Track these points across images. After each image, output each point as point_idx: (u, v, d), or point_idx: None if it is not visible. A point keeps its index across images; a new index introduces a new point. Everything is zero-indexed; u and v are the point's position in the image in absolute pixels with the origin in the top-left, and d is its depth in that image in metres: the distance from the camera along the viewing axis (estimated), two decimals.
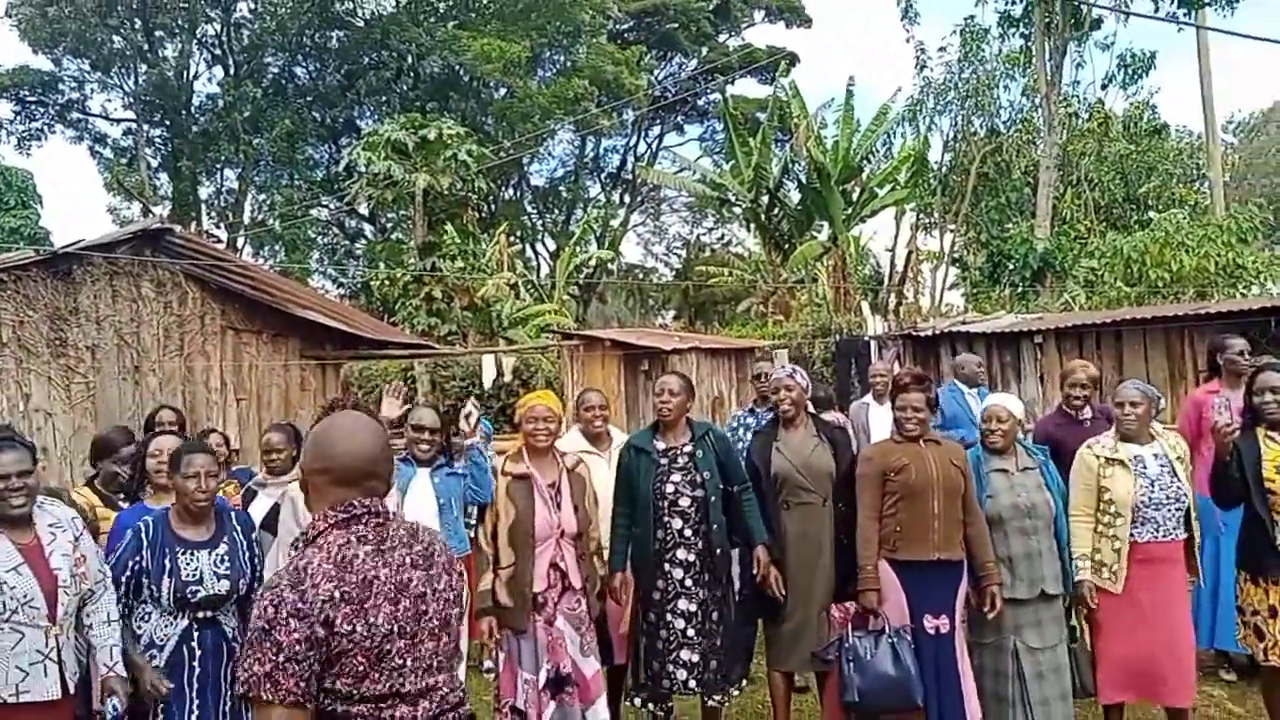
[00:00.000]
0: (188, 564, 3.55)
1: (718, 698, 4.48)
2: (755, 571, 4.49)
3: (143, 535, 3.57)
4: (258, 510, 4.61)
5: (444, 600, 2.16)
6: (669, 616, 4.37)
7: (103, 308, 9.09)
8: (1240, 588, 4.44)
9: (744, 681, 4.78)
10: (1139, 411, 4.46)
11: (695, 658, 4.36)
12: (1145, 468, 4.40)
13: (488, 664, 6.25)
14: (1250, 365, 5.59)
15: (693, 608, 4.38)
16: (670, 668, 4.36)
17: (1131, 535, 4.35)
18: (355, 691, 1.97)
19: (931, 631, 4.28)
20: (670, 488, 4.42)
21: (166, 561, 3.52)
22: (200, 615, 3.57)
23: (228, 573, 3.63)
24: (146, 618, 3.54)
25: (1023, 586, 4.39)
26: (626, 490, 4.49)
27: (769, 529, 4.50)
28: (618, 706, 4.88)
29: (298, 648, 1.91)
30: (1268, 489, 4.27)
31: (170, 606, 3.52)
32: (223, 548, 3.66)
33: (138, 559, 3.52)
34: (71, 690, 3.27)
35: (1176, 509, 4.36)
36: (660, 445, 4.53)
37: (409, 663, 2.05)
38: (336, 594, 1.97)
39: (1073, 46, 22.11)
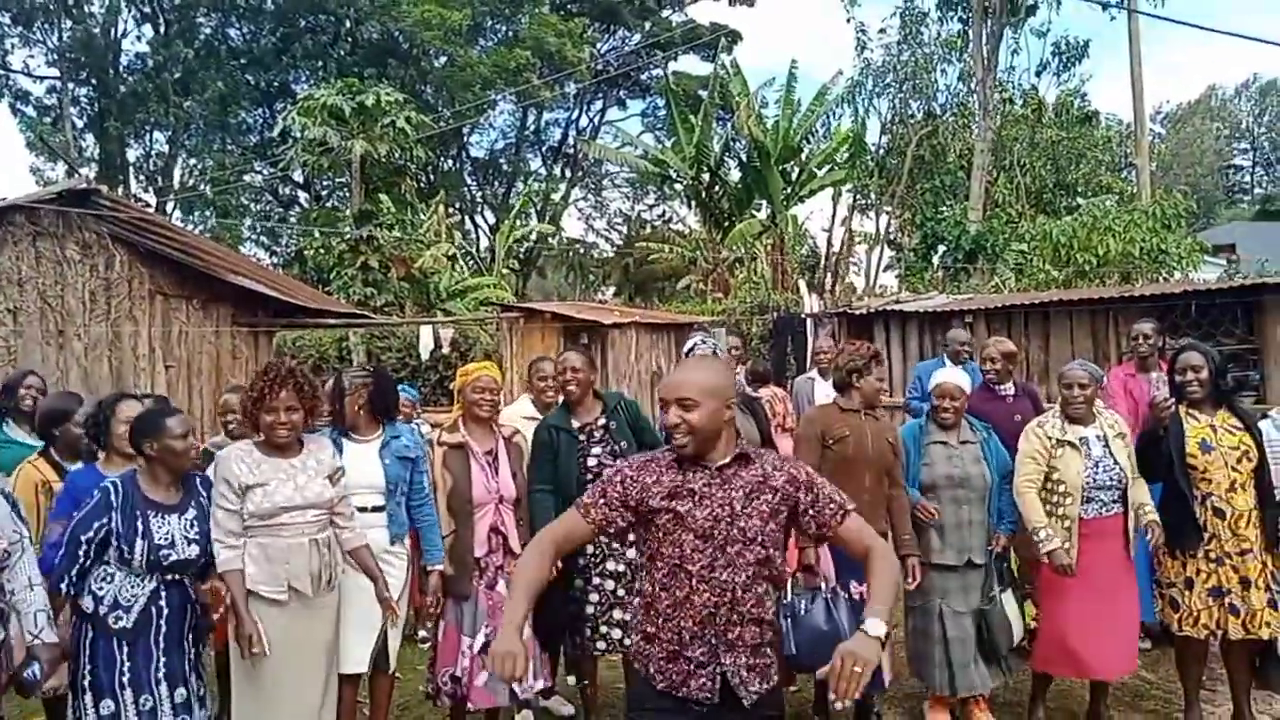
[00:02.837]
0: (159, 527, 3.51)
1: None
2: None
3: (112, 497, 3.49)
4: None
5: None
6: (597, 579, 4.40)
7: (25, 269, 8.82)
8: (1159, 561, 4.60)
9: None
10: (1087, 393, 4.57)
11: (626, 616, 4.40)
12: (1090, 449, 4.51)
13: (422, 633, 6.26)
14: (1149, 349, 5.82)
15: (620, 568, 4.42)
16: (604, 629, 4.39)
17: (1080, 513, 4.47)
18: None
19: (856, 597, 4.41)
20: (593, 460, 4.42)
21: (139, 524, 3.47)
22: (169, 578, 3.55)
23: (197, 538, 3.60)
24: (109, 578, 3.48)
25: (951, 553, 4.54)
26: (549, 467, 4.42)
27: None
28: (554, 675, 4.93)
29: None
30: (1190, 464, 4.43)
31: (141, 569, 3.48)
32: (191, 512, 3.63)
33: (105, 520, 3.45)
34: None
35: (1117, 488, 4.49)
36: (575, 423, 4.50)
37: None
38: None
39: (1008, 32, 22.47)
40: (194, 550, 3.58)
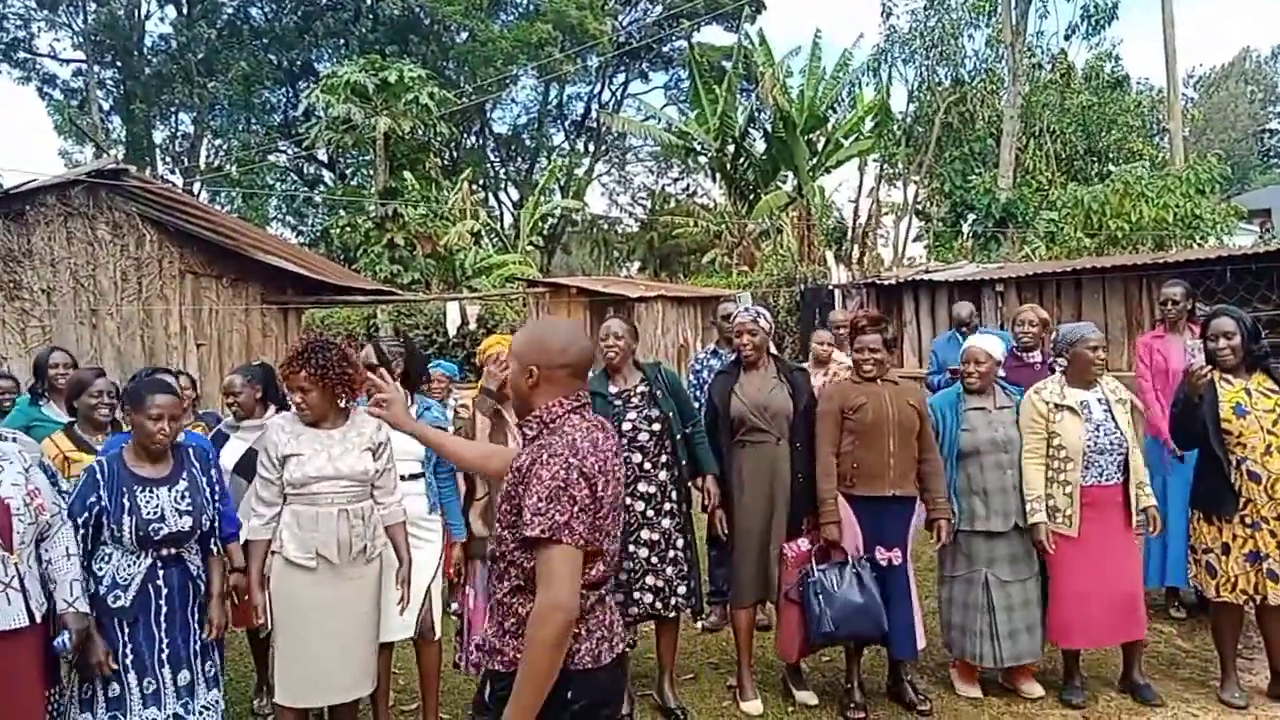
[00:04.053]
0: (147, 501, 3.49)
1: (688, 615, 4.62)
2: (704, 503, 4.60)
3: (98, 475, 3.49)
4: (230, 454, 4.58)
5: (621, 484, 2.47)
6: (632, 547, 4.42)
7: (57, 250, 8.92)
8: (1193, 527, 4.56)
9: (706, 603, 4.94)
10: (1102, 355, 4.58)
11: (660, 583, 4.44)
12: (1090, 413, 4.51)
13: (455, 606, 6.32)
14: (1177, 313, 5.74)
15: (655, 536, 4.45)
16: (636, 594, 4.43)
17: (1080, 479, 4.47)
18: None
19: (884, 563, 4.41)
20: (628, 425, 4.45)
21: (125, 500, 3.46)
22: (164, 553, 3.53)
23: (189, 509, 3.58)
24: (107, 558, 3.48)
25: (998, 519, 4.52)
26: None
27: (719, 465, 4.59)
28: None
29: (587, 503, 2.27)
30: (1224, 429, 4.39)
31: (132, 545, 3.46)
32: (182, 484, 3.60)
33: (95, 498, 3.45)
34: (38, 619, 3.21)
35: (1118, 454, 4.49)
36: (613, 389, 4.56)
37: (613, 532, 2.41)
38: (597, 467, 2.32)
39: None
40: (186, 521, 3.55)
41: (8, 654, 3.13)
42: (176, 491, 3.58)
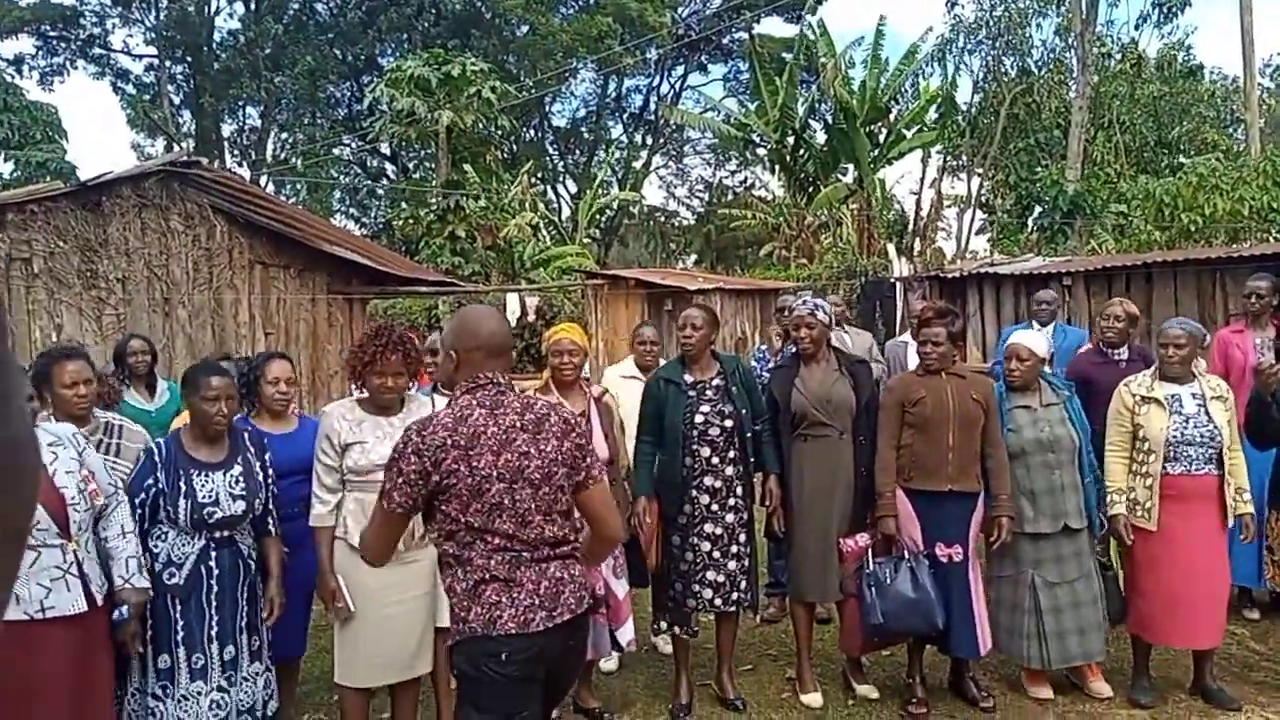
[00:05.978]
0: (203, 485, 3.58)
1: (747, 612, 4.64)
2: (763, 501, 4.59)
3: (156, 458, 3.60)
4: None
5: (549, 459, 2.64)
6: (694, 539, 4.43)
7: (132, 240, 9.16)
8: (1270, 527, 4.44)
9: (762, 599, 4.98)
10: (1183, 353, 4.44)
11: (721, 578, 4.44)
12: (1181, 406, 4.38)
13: None
14: (1261, 307, 5.57)
15: (718, 531, 4.45)
16: (696, 587, 4.44)
17: (1163, 469, 4.34)
18: (461, 517, 2.58)
19: (944, 560, 4.35)
20: (700, 418, 4.45)
21: (181, 484, 3.55)
22: (217, 535, 3.62)
23: (243, 493, 3.65)
24: (164, 537, 3.58)
25: (1046, 520, 4.41)
26: (654, 419, 4.51)
27: (780, 462, 4.57)
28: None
29: (412, 476, 2.56)
30: None
31: (187, 527, 3.56)
32: (237, 469, 3.68)
33: (152, 481, 3.55)
34: (99, 603, 3.29)
35: (1210, 448, 4.33)
36: (689, 379, 4.55)
37: (506, 502, 2.59)
38: (448, 441, 2.56)
39: None
40: (240, 506, 3.63)
41: (71, 638, 3.20)
42: (231, 476, 3.66)
